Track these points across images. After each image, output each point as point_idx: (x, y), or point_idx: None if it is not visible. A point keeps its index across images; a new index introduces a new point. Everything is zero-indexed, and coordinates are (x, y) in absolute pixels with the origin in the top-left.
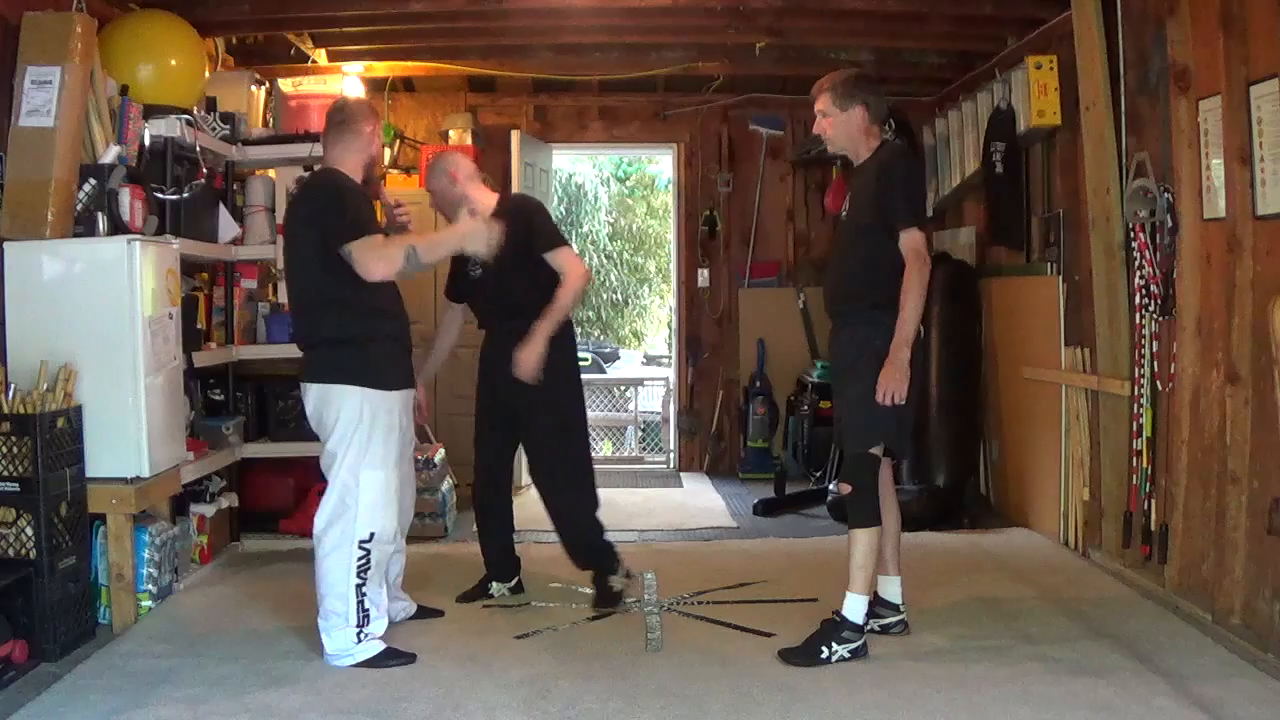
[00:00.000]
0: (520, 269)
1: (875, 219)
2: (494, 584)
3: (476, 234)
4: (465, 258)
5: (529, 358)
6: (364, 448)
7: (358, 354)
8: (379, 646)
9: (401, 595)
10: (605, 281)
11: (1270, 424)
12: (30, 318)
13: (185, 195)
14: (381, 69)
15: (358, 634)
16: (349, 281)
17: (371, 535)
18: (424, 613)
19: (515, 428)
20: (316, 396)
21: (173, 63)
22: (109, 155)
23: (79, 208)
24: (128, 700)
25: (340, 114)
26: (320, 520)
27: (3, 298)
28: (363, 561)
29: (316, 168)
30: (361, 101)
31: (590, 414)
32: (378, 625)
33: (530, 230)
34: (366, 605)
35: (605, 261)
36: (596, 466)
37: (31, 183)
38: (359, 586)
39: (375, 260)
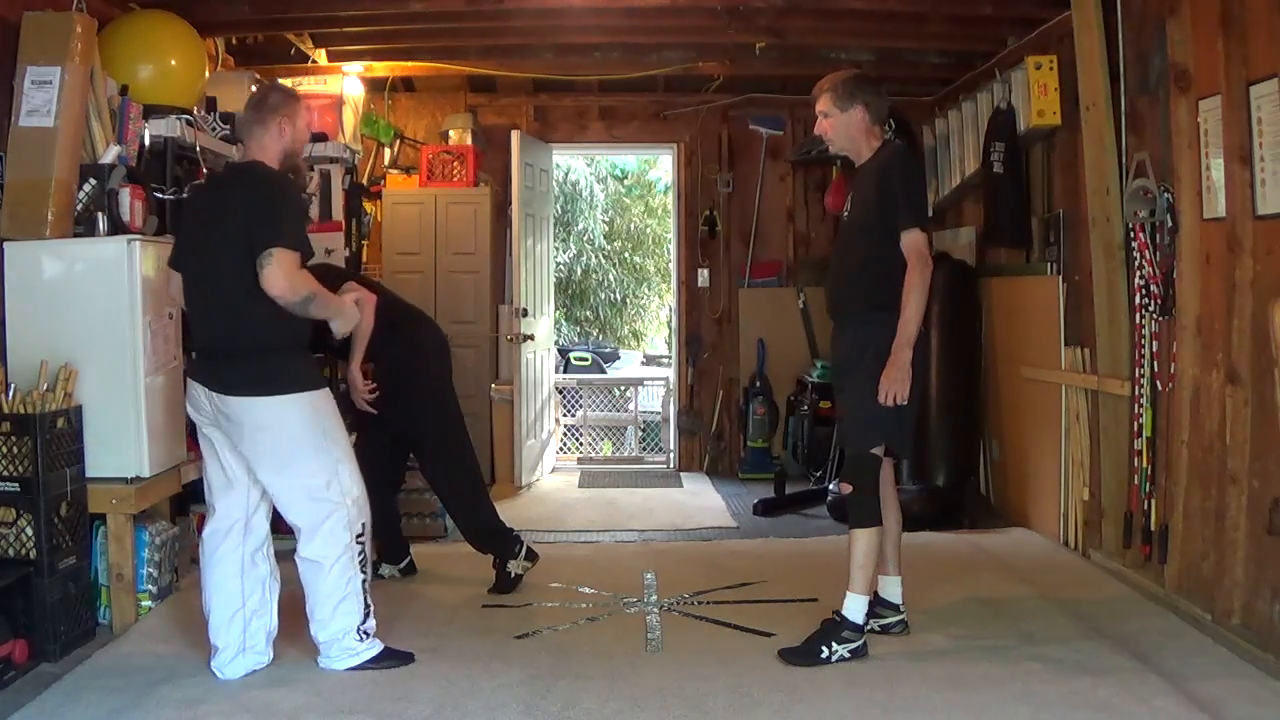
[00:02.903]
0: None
1: (877, 220)
2: (385, 565)
3: (349, 320)
4: None
5: (354, 388)
6: (330, 444)
7: (291, 359)
8: (378, 646)
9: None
10: (604, 281)
11: (1270, 424)
12: (30, 318)
13: (185, 195)
14: (381, 69)
15: (359, 631)
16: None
17: (364, 527)
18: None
19: (391, 429)
20: (257, 412)
21: (173, 63)
22: (109, 155)
23: (79, 208)
24: (128, 700)
25: (261, 103)
26: (315, 541)
27: (3, 298)
28: (361, 558)
29: (238, 159)
30: (284, 91)
31: (590, 414)
32: (371, 622)
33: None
34: (367, 600)
35: (604, 262)
36: (597, 467)
37: (31, 183)
38: (363, 581)
39: (286, 280)
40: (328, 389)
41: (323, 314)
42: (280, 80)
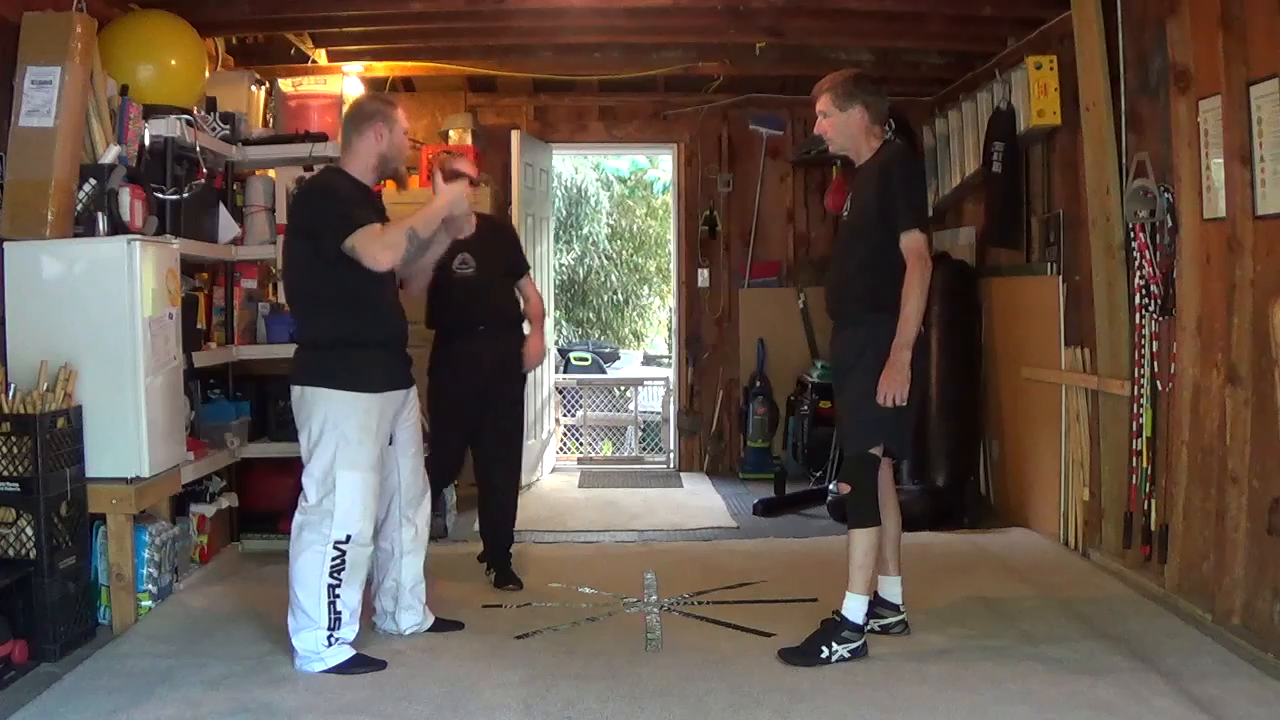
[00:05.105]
0: (505, 283)
1: (877, 220)
2: None
3: (458, 196)
4: (454, 253)
5: (539, 355)
6: (339, 450)
7: (335, 357)
8: (349, 652)
9: (416, 605)
10: (605, 282)
11: (1270, 424)
12: (30, 318)
13: (185, 195)
14: (381, 69)
15: (328, 637)
16: (334, 284)
17: (348, 537)
18: (442, 625)
19: (475, 427)
20: (295, 398)
21: (173, 63)
22: (109, 155)
23: (79, 208)
24: (128, 700)
25: (357, 111)
26: (298, 519)
27: (3, 298)
28: (337, 562)
29: (318, 167)
30: (373, 99)
31: (590, 414)
32: (348, 631)
33: (518, 254)
34: (339, 608)
35: (605, 263)
36: (597, 467)
37: (31, 183)
38: (333, 588)
39: (380, 249)
40: (374, 396)
41: (432, 227)
42: (280, 80)
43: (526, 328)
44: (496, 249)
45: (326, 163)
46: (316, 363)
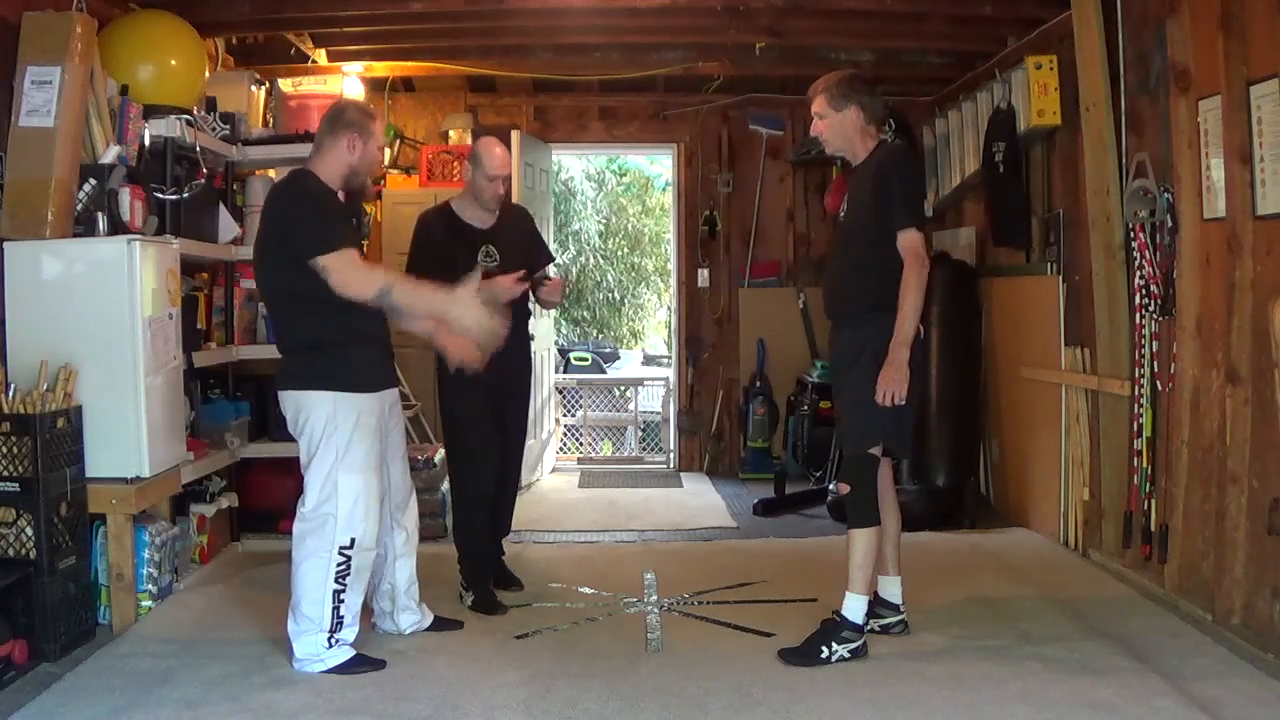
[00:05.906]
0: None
1: (873, 220)
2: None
3: (466, 313)
4: (477, 246)
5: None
6: (341, 452)
7: (331, 358)
8: (349, 653)
9: (412, 605)
10: (601, 281)
11: (1270, 424)
12: (30, 318)
13: (185, 195)
14: (381, 69)
15: (329, 639)
16: (317, 282)
17: (353, 541)
18: (441, 624)
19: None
20: (293, 403)
21: (173, 63)
22: (109, 155)
23: (79, 208)
24: (127, 700)
25: (337, 116)
26: (299, 525)
27: (3, 298)
28: (343, 567)
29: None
30: (354, 107)
31: (590, 414)
32: (349, 632)
33: (541, 244)
34: (342, 612)
35: (602, 262)
36: (597, 467)
37: (31, 183)
38: (338, 593)
39: (351, 280)
40: (373, 396)
41: (409, 307)
42: (280, 80)
43: (534, 322)
44: (520, 241)
45: None
46: (310, 365)
